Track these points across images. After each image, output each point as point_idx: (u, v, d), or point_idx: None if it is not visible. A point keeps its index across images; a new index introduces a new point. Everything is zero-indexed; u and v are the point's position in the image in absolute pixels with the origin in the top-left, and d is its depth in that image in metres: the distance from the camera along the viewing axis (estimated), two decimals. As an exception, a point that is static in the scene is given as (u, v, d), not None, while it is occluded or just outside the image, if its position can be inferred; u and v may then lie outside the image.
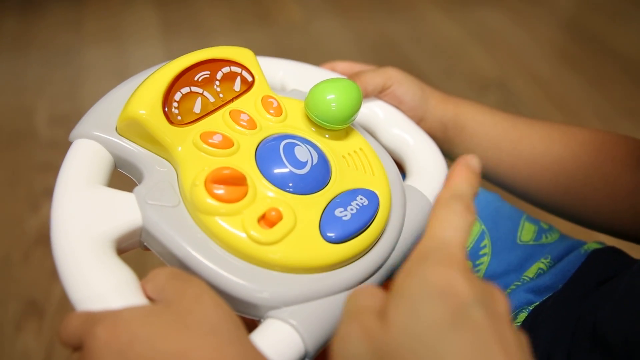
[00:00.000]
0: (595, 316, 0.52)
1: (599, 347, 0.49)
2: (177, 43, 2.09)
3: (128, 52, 2.03)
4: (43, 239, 1.40)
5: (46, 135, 1.68)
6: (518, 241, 0.66)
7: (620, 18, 2.37)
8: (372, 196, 0.52)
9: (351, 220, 0.49)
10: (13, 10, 2.21)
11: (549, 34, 2.30)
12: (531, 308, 0.59)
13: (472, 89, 1.91)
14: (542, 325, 0.56)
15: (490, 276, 0.64)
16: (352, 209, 0.50)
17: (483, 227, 0.66)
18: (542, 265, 0.63)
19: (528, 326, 0.57)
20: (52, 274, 1.31)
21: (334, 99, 0.54)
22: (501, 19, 2.32)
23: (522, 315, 0.59)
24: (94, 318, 0.38)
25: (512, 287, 0.62)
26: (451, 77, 1.98)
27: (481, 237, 0.65)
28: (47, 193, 1.50)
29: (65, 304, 1.26)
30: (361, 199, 0.51)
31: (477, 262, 0.64)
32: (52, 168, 1.55)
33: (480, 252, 0.65)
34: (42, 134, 1.68)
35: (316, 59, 0.73)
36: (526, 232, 0.67)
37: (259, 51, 0.58)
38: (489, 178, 0.71)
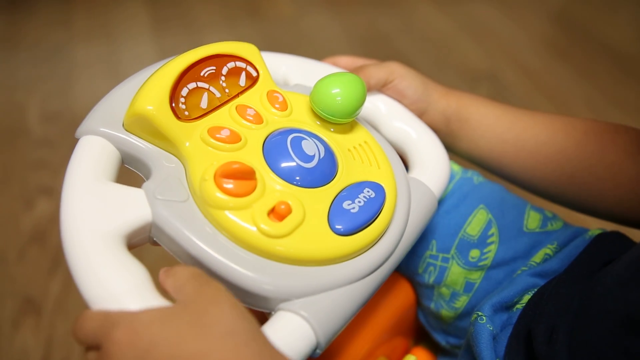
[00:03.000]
0: (598, 290, 0.53)
1: (604, 321, 0.50)
2: (169, 40, 2.08)
3: (119, 50, 2.02)
4: (38, 237, 1.39)
5: (38, 132, 1.67)
6: (525, 229, 0.67)
7: (609, 9, 2.38)
8: (378, 189, 0.52)
9: (359, 212, 0.50)
10: (0, 10, 2.20)
11: (539, 26, 2.30)
12: (536, 290, 0.60)
13: (463, 81, 1.92)
14: (548, 301, 0.56)
15: (498, 263, 0.65)
16: (359, 202, 0.50)
17: (490, 216, 0.67)
18: (548, 251, 0.64)
19: (534, 304, 0.58)
20: (48, 271, 1.31)
21: (339, 93, 0.54)
22: (491, 11, 2.32)
23: (527, 297, 0.60)
24: (112, 320, 0.39)
25: (519, 272, 0.63)
26: (442, 70, 1.98)
27: (489, 226, 0.66)
28: (41, 190, 1.50)
29: (62, 300, 1.26)
30: (368, 191, 0.52)
31: (485, 250, 0.65)
32: (45, 165, 1.55)
33: (488, 240, 0.66)
34: (35, 131, 1.67)
35: (308, 53, 0.73)
36: (532, 220, 0.67)
37: (251, 46, 0.59)
38: (492, 170, 0.72)
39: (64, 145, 1.57)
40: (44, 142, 1.63)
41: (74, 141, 0.50)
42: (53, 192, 1.49)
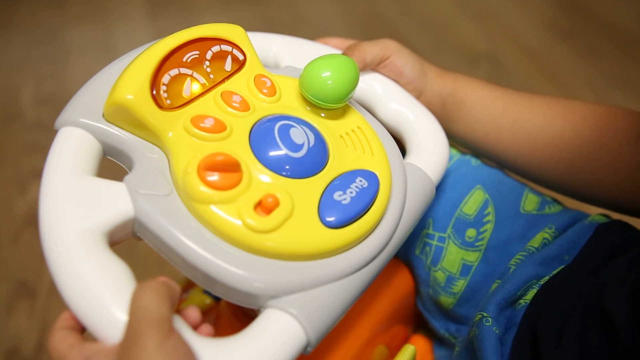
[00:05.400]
0: (604, 298, 0.51)
1: (608, 330, 0.48)
2: (164, 22, 2.07)
3: (115, 33, 2.01)
4: (32, 220, 1.39)
5: (32, 115, 1.67)
6: (521, 210, 0.65)
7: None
8: (372, 177, 0.50)
9: (351, 203, 0.48)
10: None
11: (539, 6, 2.28)
12: (541, 283, 0.58)
13: (462, 62, 1.90)
14: (553, 302, 0.55)
15: (494, 243, 0.64)
16: (351, 192, 0.48)
17: (487, 196, 0.66)
18: (546, 235, 0.63)
19: (538, 303, 0.57)
20: (42, 255, 1.30)
21: (330, 77, 0.52)
22: (491, -9, 2.30)
23: (532, 292, 0.58)
24: (61, 353, 0.40)
25: (519, 256, 0.62)
26: (441, 51, 1.96)
27: (485, 205, 0.65)
28: (35, 174, 1.50)
29: (56, 286, 1.26)
30: (360, 180, 0.50)
31: (481, 230, 0.64)
32: (39, 148, 1.55)
33: (484, 220, 0.65)
34: (28, 114, 1.67)
35: (305, 35, 0.70)
36: (529, 202, 0.66)
37: (247, 29, 0.56)
38: (488, 155, 0.70)
39: (58, 129, 1.55)
40: (38, 126, 1.63)
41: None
42: (47, 175, 1.48)
